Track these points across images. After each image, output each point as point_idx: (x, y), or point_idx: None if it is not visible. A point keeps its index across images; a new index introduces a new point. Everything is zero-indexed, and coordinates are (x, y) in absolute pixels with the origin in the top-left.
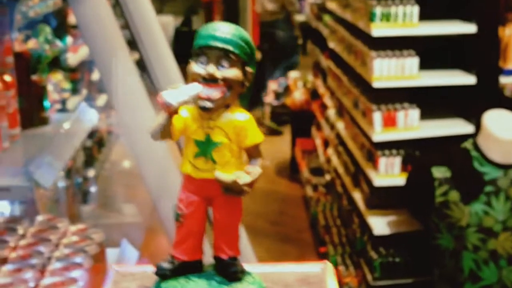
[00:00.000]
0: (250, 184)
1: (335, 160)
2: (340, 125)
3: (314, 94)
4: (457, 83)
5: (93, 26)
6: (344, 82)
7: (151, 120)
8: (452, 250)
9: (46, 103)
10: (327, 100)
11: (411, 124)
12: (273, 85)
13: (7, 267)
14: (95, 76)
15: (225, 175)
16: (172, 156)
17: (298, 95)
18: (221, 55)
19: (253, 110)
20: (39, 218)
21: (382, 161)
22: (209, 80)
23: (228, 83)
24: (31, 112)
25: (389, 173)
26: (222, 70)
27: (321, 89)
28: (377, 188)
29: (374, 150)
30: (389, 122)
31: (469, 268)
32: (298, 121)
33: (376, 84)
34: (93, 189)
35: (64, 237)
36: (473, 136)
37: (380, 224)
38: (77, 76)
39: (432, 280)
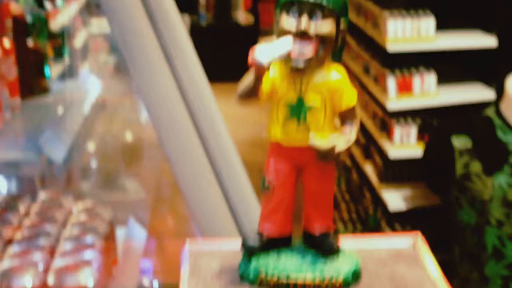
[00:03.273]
0: (347, 148)
1: None
2: None
3: None
4: (477, 45)
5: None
6: (352, 46)
7: (171, 89)
8: (474, 225)
9: (47, 71)
10: None
11: (428, 90)
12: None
13: (13, 249)
14: (78, 42)
15: (321, 141)
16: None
17: None
18: (313, 8)
19: None
20: (42, 195)
21: (397, 131)
22: (302, 36)
23: (321, 38)
24: (31, 80)
25: (404, 143)
26: (315, 25)
27: None
28: (391, 160)
29: (388, 118)
30: (404, 88)
31: (493, 244)
32: None
33: (391, 47)
34: (93, 164)
35: (70, 215)
36: (496, 102)
37: (395, 199)
38: (58, 42)
39: (453, 258)
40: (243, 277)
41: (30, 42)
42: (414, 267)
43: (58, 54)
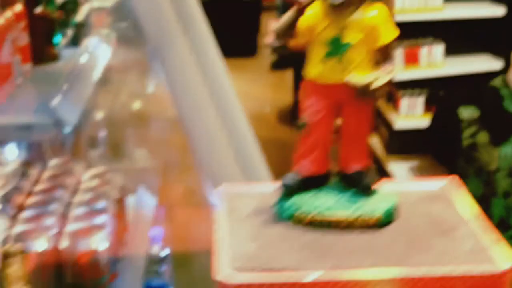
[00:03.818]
0: (384, 87)
1: None
2: None
3: None
4: (485, 15)
5: None
6: None
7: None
8: (480, 196)
9: (56, 38)
10: None
11: (435, 61)
12: (273, 24)
13: (25, 214)
14: (80, 17)
15: (359, 78)
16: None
17: None
18: None
19: (248, 57)
20: (53, 161)
21: (404, 102)
22: None
23: None
24: (41, 47)
25: (411, 114)
26: None
27: None
28: (397, 131)
29: (395, 89)
30: (411, 59)
31: (499, 215)
32: (302, 63)
33: (399, 17)
34: (101, 132)
35: (81, 182)
36: (503, 72)
37: (401, 171)
38: (65, 11)
39: None
40: (279, 215)
41: (39, 9)
42: (449, 207)
43: (65, 23)
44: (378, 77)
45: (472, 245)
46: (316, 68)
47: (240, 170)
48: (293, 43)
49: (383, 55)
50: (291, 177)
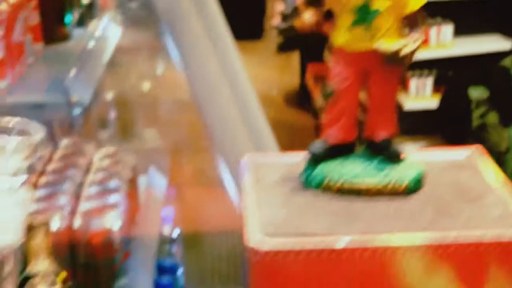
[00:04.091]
0: (413, 54)
1: None
2: None
3: (328, 14)
4: None
5: None
6: None
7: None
8: None
9: (68, 18)
10: None
11: (444, 41)
12: (279, 6)
13: (38, 193)
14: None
15: (388, 44)
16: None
17: (308, 16)
18: None
19: (254, 39)
20: (65, 141)
21: (413, 82)
22: None
23: None
24: (52, 26)
25: (420, 95)
26: None
27: None
28: (406, 112)
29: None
30: None
31: None
32: (308, 45)
33: None
34: (111, 112)
35: (93, 162)
36: None
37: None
38: None
39: None
40: (306, 183)
41: None
42: (475, 175)
43: (75, 2)
44: (406, 45)
45: (500, 211)
46: (343, 35)
47: (254, 150)
48: (299, 23)
49: (410, 23)
50: (318, 145)
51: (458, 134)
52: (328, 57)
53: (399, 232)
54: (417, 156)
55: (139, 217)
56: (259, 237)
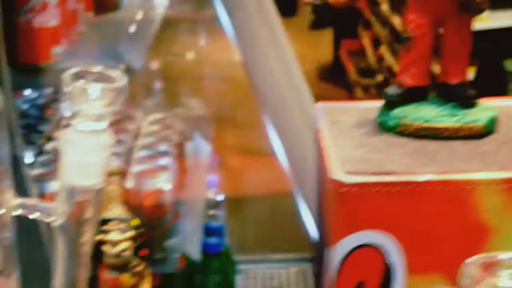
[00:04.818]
0: (486, 2)
1: (389, 59)
2: (396, 20)
3: None
4: None
5: None
6: None
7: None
8: None
9: None
10: None
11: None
12: None
13: None
14: None
15: None
16: None
17: None
18: None
19: (288, 17)
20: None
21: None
22: None
23: None
24: None
25: None
26: None
27: None
28: None
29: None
30: None
31: None
32: (342, 21)
33: None
34: (157, 81)
35: (141, 127)
36: None
37: None
38: None
39: None
40: (382, 125)
41: None
42: None
43: None
44: None
45: None
46: None
47: (304, 122)
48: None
49: None
50: (394, 89)
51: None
52: (362, 31)
53: (478, 170)
54: (489, 102)
55: (186, 181)
56: (341, 172)
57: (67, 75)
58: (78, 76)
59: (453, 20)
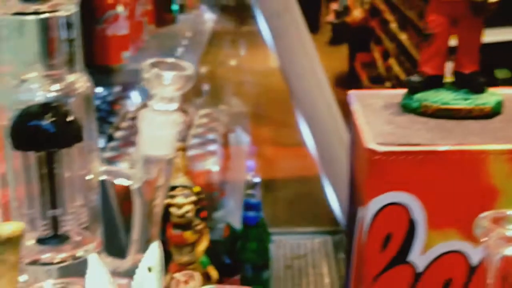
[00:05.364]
0: (495, 4)
1: (396, 69)
2: (403, 37)
3: (373, 12)
4: None
5: None
6: None
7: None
8: None
9: (174, 6)
10: (388, 16)
11: None
12: (333, 5)
13: None
14: None
15: None
16: None
17: (358, 13)
18: None
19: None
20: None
21: (448, 66)
22: None
23: None
24: (162, 12)
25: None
26: None
27: (382, 6)
28: None
29: None
30: None
31: None
32: (356, 37)
33: None
34: (205, 85)
35: (193, 120)
36: None
37: None
38: None
39: None
40: (406, 107)
41: None
42: None
43: None
44: None
45: None
46: None
47: (333, 122)
48: (350, 19)
49: None
50: (416, 77)
51: None
52: (373, 46)
53: (487, 143)
54: (497, 90)
55: (230, 165)
56: (374, 143)
57: (146, 64)
58: (154, 65)
59: (467, 21)
